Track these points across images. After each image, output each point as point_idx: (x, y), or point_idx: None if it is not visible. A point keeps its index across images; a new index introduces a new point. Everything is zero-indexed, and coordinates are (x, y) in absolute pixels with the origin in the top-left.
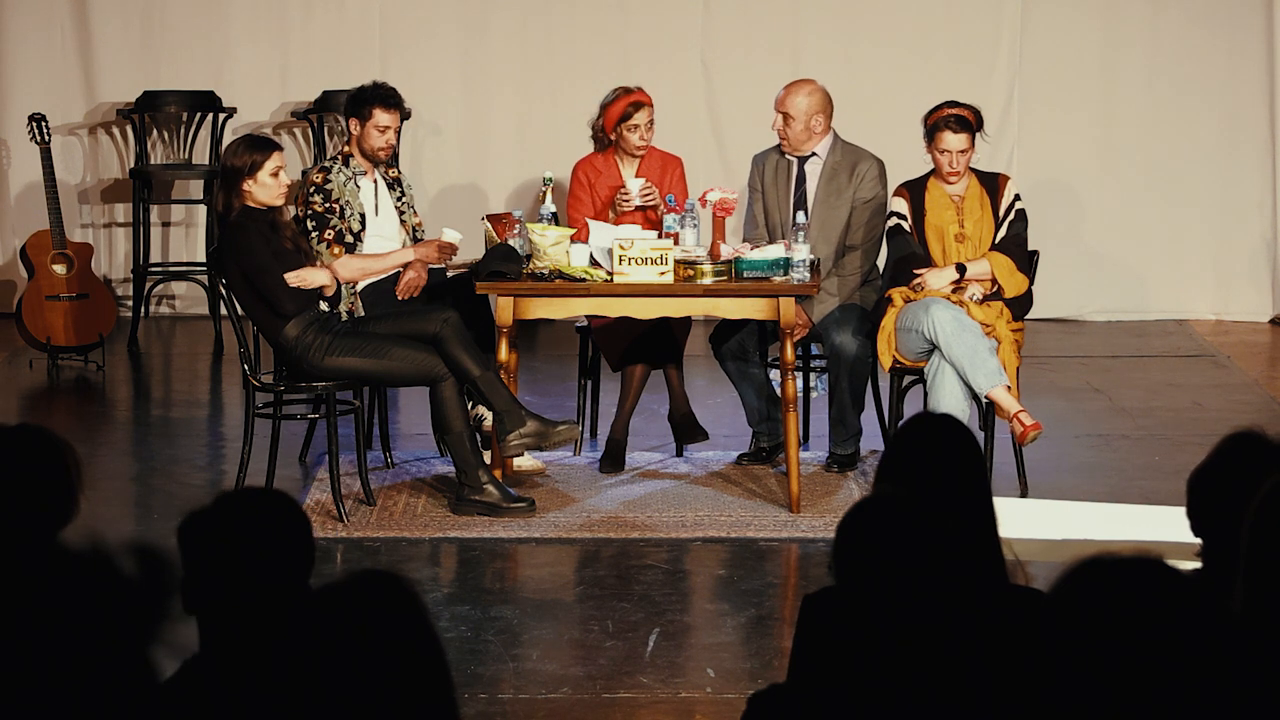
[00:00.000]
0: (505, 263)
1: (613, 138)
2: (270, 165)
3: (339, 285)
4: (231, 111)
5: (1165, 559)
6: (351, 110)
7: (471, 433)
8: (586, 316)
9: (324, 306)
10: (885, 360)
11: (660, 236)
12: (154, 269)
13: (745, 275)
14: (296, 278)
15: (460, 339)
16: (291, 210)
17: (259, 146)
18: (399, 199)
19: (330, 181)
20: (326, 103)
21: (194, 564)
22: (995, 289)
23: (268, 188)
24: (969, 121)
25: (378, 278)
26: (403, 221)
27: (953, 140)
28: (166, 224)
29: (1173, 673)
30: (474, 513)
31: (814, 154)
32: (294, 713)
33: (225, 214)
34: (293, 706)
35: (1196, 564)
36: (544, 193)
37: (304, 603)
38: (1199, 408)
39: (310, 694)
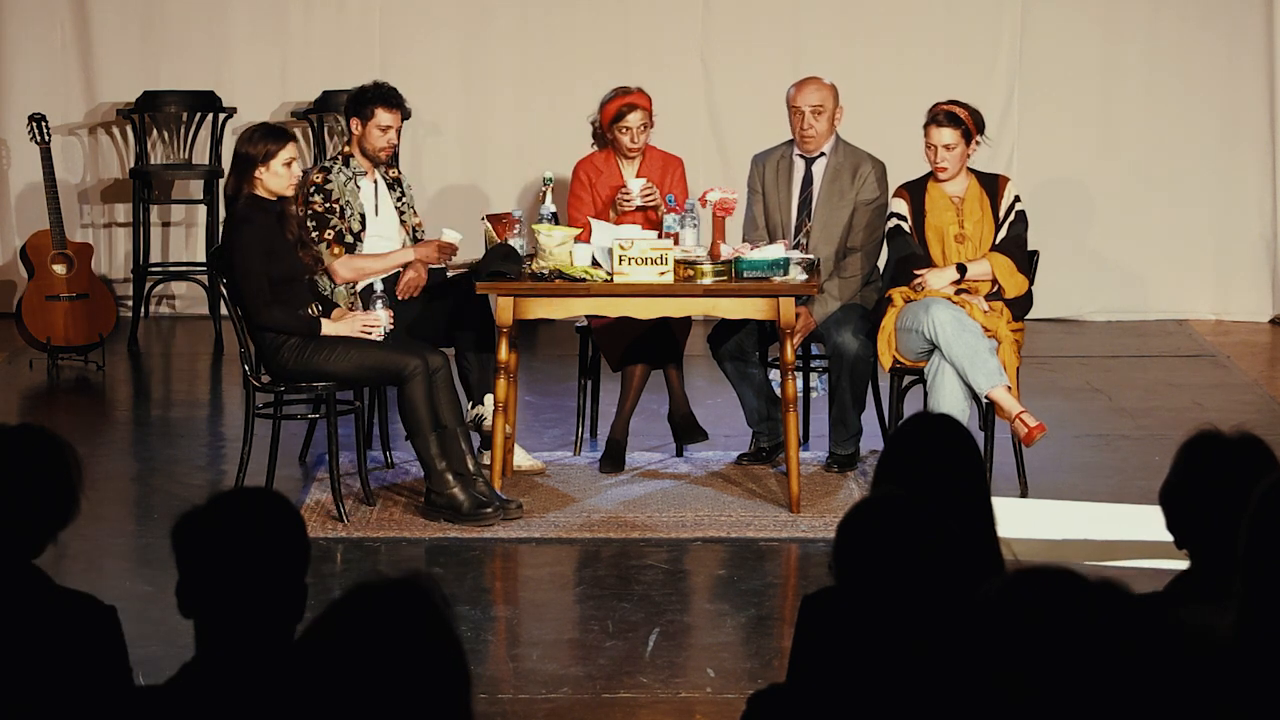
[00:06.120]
0: (505, 263)
1: (609, 137)
2: (284, 155)
3: (337, 286)
4: (231, 111)
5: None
6: (353, 110)
7: (443, 433)
8: (586, 316)
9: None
10: (885, 360)
11: (660, 236)
12: (154, 269)
13: (745, 275)
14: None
15: (444, 390)
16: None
17: (274, 136)
18: (399, 199)
19: (330, 181)
20: (326, 103)
21: (189, 566)
22: (995, 289)
23: (279, 177)
24: (959, 118)
25: (377, 278)
26: (403, 222)
27: (937, 134)
28: (166, 224)
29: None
30: (440, 518)
31: (822, 153)
32: (291, 715)
33: (234, 199)
34: (290, 710)
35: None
36: (544, 192)
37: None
38: (1199, 408)
39: (316, 698)
